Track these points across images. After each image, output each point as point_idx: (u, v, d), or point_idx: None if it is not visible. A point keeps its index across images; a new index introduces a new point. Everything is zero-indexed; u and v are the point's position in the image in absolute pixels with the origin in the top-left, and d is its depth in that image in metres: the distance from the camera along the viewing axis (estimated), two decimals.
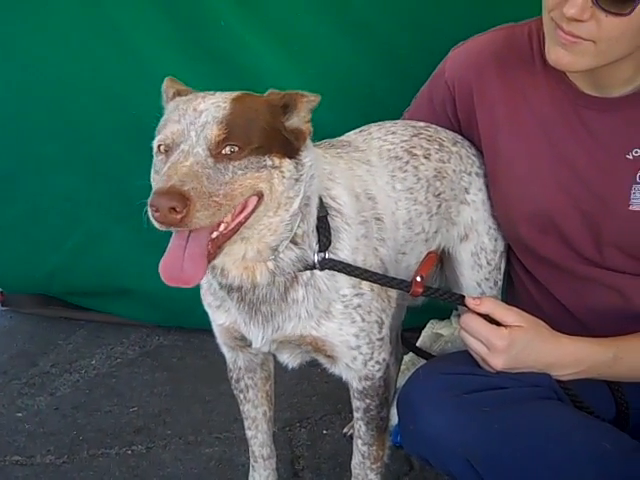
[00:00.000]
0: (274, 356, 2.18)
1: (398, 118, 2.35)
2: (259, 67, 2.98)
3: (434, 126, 2.25)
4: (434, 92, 2.28)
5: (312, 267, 1.86)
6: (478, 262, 2.27)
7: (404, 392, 1.95)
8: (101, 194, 3.36)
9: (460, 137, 2.28)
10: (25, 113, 3.25)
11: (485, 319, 1.86)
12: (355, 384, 2.06)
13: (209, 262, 1.66)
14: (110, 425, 3.00)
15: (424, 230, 2.14)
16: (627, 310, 2.06)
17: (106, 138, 3.23)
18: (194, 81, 2.87)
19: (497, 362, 1.85)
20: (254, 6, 2.95)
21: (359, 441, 2.14)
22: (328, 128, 2.03)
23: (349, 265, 1.88)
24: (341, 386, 2.15)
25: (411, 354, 2.91)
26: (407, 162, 2.12)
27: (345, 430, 2.85)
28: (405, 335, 2.64)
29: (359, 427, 2.13)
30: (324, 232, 1.87)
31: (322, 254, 1.86)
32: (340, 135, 2.20)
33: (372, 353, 2.01)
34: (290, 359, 2.10)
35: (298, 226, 1.82)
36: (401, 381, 2.67)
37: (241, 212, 1.69)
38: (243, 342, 2.05)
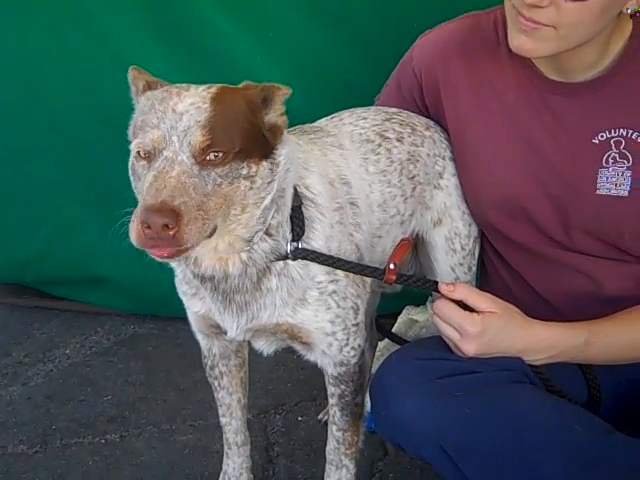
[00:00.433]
0: (249, 343, 2.18)
1: (372, 105, 2.35)
2: (233, 53, 2.97)
3: (406, 112, 2.26)
4: (402, 80, 2.29)
5: (285, 257, 1.86)
6: (452, 247, 2.28)
7: (377, 377, 1.95)
8: (74, 183, 3.33)
9: (433, 122, 2.28)
10: None
11: (459, 305, 1.86)
12: (330, 370, 2.07)
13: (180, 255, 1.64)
14: (84, 414, 2.98)
15: (399, 212, 2.14)
16: (598, 294, 2.09)
17: (80, 126, 3.21)
18: (168, 68, 2.91)
19: (469, 348, 1.85)
20: None
21: (334, 427, 2.15)
22: (301, 115, 2.01)
23: (322, 254, 1.88)
24: (316, 373, 2.16)
25: (386, 340, 2.92)
26: (379, 145, 2.12)
27: (320, 416, 2.86)
28: (380, 321, 2.65)
29: (334, 413, 2.14)
30: (298, 222, 1.86)
31: (295, 244, 1.85)
32: (313, 122, 2.19)
33: (347, 339, 2.01)
34: (265, 346, 2.10)
35: (272, 217, 1.81)
36: (376, 367, 2.68)
37: None
38: (218, 329, 2.04)
